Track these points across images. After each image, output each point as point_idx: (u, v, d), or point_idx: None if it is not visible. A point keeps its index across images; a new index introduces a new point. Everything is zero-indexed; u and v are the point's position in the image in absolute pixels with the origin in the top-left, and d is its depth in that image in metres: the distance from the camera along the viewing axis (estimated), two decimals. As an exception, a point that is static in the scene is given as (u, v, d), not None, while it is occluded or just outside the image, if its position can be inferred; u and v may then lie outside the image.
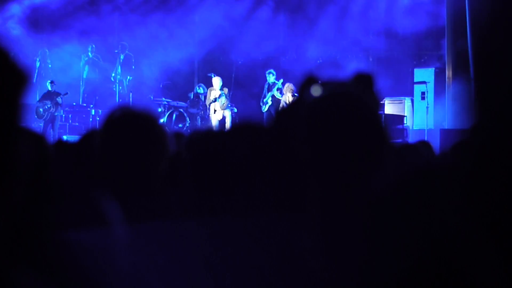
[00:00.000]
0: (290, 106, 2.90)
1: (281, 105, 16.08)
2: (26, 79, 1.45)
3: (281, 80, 17.11)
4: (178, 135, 4.23)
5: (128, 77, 18.40)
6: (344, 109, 2.14)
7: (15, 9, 19.29)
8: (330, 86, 2.35)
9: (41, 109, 16.85)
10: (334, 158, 2.10)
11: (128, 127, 3.16)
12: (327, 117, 2.12)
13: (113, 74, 18.49)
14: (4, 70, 1.37)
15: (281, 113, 3.00)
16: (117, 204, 2.23)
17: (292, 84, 16.32)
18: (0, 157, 1.33)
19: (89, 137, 4.94)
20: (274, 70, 17.62)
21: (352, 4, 19.09)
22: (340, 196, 2.05)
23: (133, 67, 18.60)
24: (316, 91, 2.27)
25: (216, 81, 17.56)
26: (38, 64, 18.22)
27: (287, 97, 16.15)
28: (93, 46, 18.84)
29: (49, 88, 17.23)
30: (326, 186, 2.11)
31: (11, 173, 1.35)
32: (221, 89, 17.47)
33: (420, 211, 1.57)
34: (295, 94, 14.63)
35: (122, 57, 18.58)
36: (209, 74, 18.07)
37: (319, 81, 2.58)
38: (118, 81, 18.49)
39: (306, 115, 2.15)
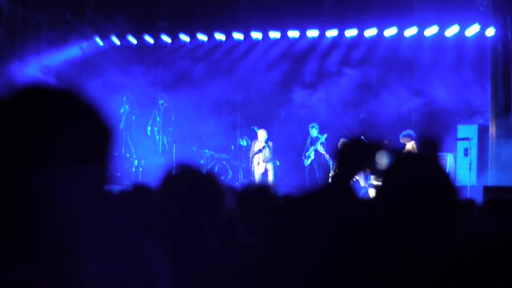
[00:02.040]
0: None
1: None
2: (112, 133, 1.48)
3: (325, 135, 17.04)
4: (232, 190, 4.24)
5: (170, 128, 18.52)
6: (424, 170, 2.15)
7: (56, 58, 19.61)
8: (399, 153, 2.36)
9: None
10: (413, 217, 2.10)
11: (188, 184, 3.17)
12: (412, 179, 2.13)
13: (149, 128, 18.60)
14: (94, 126, 1.40)
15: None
16: (168, 259, 2.18)
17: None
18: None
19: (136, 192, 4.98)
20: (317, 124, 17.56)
21: (395, 62, 19.06)
22: (417, 252, 2.04)
23: (173, 118, 18.67)
24: (382, 157, 2.27)
25: (262, 134, 17.73)
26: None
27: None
28: (129, 96, 18.82)
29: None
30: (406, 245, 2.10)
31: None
32: (266, 142, 17.57)
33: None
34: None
35: (162, 108, 18.66)
36: (252, 127, 18.17)
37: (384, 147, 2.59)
38: (159, 132, 18.59)
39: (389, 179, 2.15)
